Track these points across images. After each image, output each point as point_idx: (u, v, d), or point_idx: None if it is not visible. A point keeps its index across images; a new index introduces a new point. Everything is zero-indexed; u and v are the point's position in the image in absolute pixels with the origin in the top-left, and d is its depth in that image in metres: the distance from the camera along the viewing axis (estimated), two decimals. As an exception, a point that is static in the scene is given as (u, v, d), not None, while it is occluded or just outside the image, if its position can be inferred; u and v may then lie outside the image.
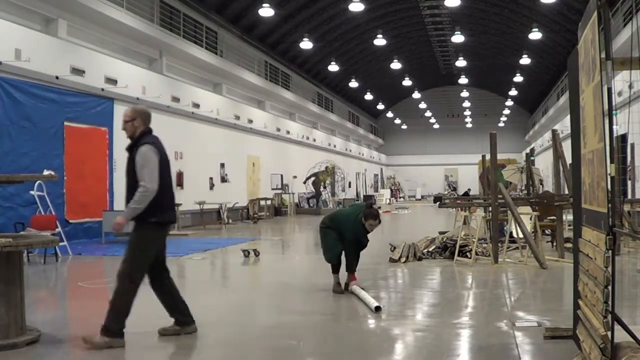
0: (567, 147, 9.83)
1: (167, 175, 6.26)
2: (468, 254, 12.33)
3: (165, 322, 6.51)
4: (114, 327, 5.91)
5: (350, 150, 52.50)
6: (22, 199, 13.84)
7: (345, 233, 8.92)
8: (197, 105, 23.81)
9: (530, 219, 12.98)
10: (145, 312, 7.78)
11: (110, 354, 5.75)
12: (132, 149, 6.20)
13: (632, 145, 18.74)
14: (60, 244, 11.66)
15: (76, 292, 9.68)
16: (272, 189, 32.48)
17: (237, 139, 28.21)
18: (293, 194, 34.41)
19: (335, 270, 9.02)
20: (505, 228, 14.47)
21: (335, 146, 46.65)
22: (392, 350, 6.09)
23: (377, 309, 7.57)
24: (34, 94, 14.99)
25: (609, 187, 4.16)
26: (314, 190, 36.03)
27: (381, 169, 66.17)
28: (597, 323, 4.27)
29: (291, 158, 36.00)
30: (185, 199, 21.86)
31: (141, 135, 6.22)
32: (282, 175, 33.97)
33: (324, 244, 9.13)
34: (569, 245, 11.49)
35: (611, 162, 4.13)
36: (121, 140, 18.39)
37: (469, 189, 51.44)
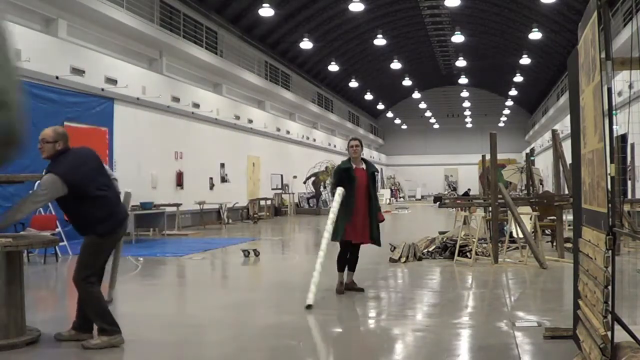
0: (567, 147, 9.83)
1: (95, 191, 5.98)
2: (468, 254, 12.33)
3: (172, 320, 6.52)
4: (106, 326, 5.92)
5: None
6: (22, 199, 13.82)
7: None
8: (197, 105, 23.82)
9: (530, 219, 12.98)
10: (147, 313, 7.79)
11: (110, 353, 5.75)
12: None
13: (632, 145, 18.74)
14: (60, 244, 11.65)
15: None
16: (272, 189, 32.49)
17: (237, 139, 28.21)
18: (293, 194, 34.41)
19: (340, 268, 8.89)
20: (505, 228, 14.47)
21: (335, 146, 46.65)
22: (392, 350, 6.09)
23: (308, 307, 7.64)
24: (34, 94, 14.98)
25: (609, 187, 4.16)
26: (314, 190, 36.03)
27: (381, 169, 66.15)
28: (597, 323, 4.27)
29: (291, 158, 36.00)
30: (186, 199, 21.88)
31: (59, 154, 5.97)
32: (282, 175, 33.98)
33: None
34: (569, 245, 11.50)
35: (611, 162, 4.13)
36: (121, 140, 18.39)
37: (469, 189, 51.43)
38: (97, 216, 5.97)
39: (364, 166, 8.87)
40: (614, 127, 4.59)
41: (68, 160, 5.95)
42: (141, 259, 12.94)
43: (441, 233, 16.46)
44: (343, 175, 8.75)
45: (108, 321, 5.95)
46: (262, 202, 29.70)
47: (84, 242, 6.10)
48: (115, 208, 6.16)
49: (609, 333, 4.07)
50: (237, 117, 28.01)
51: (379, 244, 9.03)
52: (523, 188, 22.19)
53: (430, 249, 13.43)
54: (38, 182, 5.98)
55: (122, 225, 6.25)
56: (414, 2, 35.63)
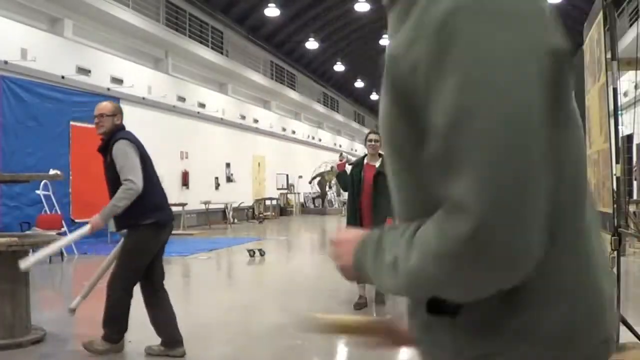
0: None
1: (153, 172, 5.74)
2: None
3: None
4: (115, 335, 5.71)
5: (357, 150, 52.44)
6: (28, 198, 13.87)
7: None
8: (202, 105, 23.84)
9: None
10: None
11: (117, 353, 5.75)
12: (106, 149, 5.60)
13: (638, 146, 18.69)
14: (66, 243, 11.67)
15: (81, 292, 9.68)
16: (278, 189, 32.50)
17: (243, 138, 28.22)
18: (298, 193, 34.41)
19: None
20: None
21: (341, 146, 46.62)
22: (396, 350, 6.09)
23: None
24: (40, 94, 15.02)
25: (615, 187, 4.15)
26: (319, 190, 36.01)
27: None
28: (602, 324, 4.25)
29: (297, 158, 36.00)
30: (191, 199, 21.90)
31: (115, 132, 5.66)
32: (287, 175, 33.99)
33: None
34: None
35: (617, 162, 4.12)
36: (127, 140, 18.40)
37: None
38: (155, 202, 5.57)
39: (377, 163, 7.63)
40: (620, 127, 4.58)
41: (128, 134, 5.69)
42: (146, 258, 12.96)
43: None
44: (348, 173, 7.90)
45: (120, 332, 5.71)
46: (268, 202, 29.71)
47: (126, 242, 5.67)
48: (163, 202, 5.77)
49: (614, 334, 4.06)
50: (243, 117, 28.03)
51: None
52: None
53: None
54: (120, 165, 5.35)
55: (168, 224, 5.77)
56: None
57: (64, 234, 12.75)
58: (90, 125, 16.79)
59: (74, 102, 16.32)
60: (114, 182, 5.43)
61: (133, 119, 18.80)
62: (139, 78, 19.53)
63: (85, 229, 5.47)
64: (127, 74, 18.83)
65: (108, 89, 17.81)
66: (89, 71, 17.03)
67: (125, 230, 5.71)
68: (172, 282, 11.12)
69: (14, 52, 14.32)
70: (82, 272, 11.99)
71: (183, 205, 20.44)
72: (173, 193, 20.99)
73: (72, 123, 16.03)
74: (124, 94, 18.43)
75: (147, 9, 20.83)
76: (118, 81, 18.32)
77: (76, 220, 15.82)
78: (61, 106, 15.73)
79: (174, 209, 20.61)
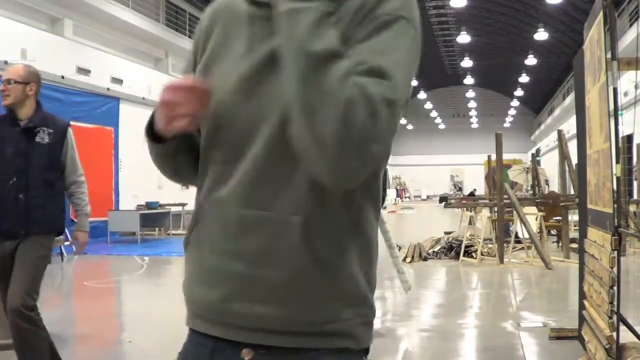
0: (573, 147, 9.83)
1: None
2: (473, 254, 12.31)
3: (177, 320, 6.50)
4: None
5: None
6: (28, 198, 13.87)
7: None
8: (202, 105, 23.83)
9: (536, 219, 12.96)
10: (152, 312, 7.78)
11: (113, 352, 5.75)
12: (34, 128, 4.45)
13: (638, 146, 18.70)
14: (66, 243, 11.68)
15: (81, 292, 9.70)
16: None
17: (243, 138, 28.21)
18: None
19: None
20: (510, 228, 14.44)
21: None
22: (398, 351, 6.09)
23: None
24: (39, 94, 15.01)
25: (615, 187, 4.15)
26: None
27: (387, 169, 66.03)
28: (602, 324, 4.26)
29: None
30: (191, 199, 21.78)
31: (40, 108, 4.62)
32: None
33: None
34: (575, 245, 11.48)
35: (617, 162, 4.12)
36: (127, 140, 18.41)
37: (475, 189, 51.37)
38: (62, 206, 4.64)
39: None
40: (620, 127, 4.58)
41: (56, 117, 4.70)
42: (146, 258, 12.96)
43: (447, 233, 16.44)
44: None
45: None
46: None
47: (38, 252, 4.35)
48: None
49: (614, 334, 4.06)
50: (243, 117, 28.05)
51: None
52: (529, 188, 22.17)
53: (436, 249, 13.41)
54: (72, 157, 4.75)
55: None
56: (420, 1, 35.50)
57: (64, 234, 12.74)
58: (89, 125, 16.84)
59: (74, 102, 16.33)
60: (46, 169, 4.45)
61: (133, 119, 18.95)
62: (139, 78, 19.54)
63: (80, 248, 4.85)
64: (127, 74, 18.84)
65: (108, 89, 17.83)
66: (89, 71, 17.04)
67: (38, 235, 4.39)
68: (172, 282, 11.12)
69: (14, 52, 14.32)
70: (82, 272, 12.00)
71: (183, 205, 20.43)
72: (173, 193, 21.00)
73: (71, 123, 16.00)
74: (123, 94, 18.44)
75: (147, 9, 20.84)
76: (118, 81, 18.32)
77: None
78: (61, 106, 15.72)
79: (174, 209, 20.58)
